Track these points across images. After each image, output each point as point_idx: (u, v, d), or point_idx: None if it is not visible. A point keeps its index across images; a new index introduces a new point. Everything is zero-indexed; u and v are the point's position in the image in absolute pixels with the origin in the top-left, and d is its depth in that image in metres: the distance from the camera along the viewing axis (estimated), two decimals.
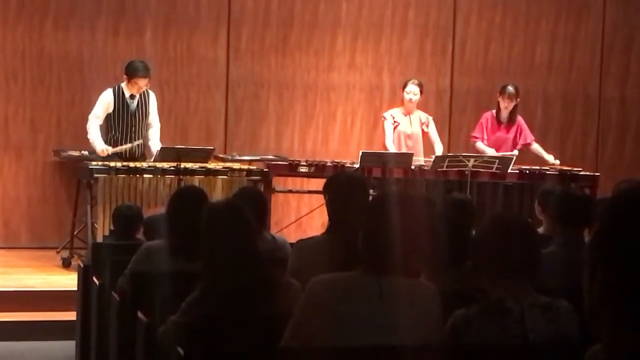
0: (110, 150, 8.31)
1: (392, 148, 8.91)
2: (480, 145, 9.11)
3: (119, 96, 8.40)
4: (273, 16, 9.92)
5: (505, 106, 9.11)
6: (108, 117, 8.43)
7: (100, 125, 8.43)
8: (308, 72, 10.05)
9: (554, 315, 3.22)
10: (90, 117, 8.39)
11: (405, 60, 10.23)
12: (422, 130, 9.14)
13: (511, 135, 9.19)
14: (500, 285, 3.22)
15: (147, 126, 8.53)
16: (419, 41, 10.27)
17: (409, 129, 9.08)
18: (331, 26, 10.06)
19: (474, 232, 3.73)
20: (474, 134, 9.27)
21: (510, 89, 9.08)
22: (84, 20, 9.37)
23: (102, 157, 8.31)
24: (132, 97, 8.42)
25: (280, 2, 9.93)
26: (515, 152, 9.02)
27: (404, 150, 8.91)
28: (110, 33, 9.46)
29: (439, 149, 9.08)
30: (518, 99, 9.14)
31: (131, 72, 8.31)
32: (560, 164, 9.28)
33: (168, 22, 9.64)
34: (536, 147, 9.28)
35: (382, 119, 9.18)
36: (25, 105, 9.35)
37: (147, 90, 8.50)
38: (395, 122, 9.05)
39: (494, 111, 9.21)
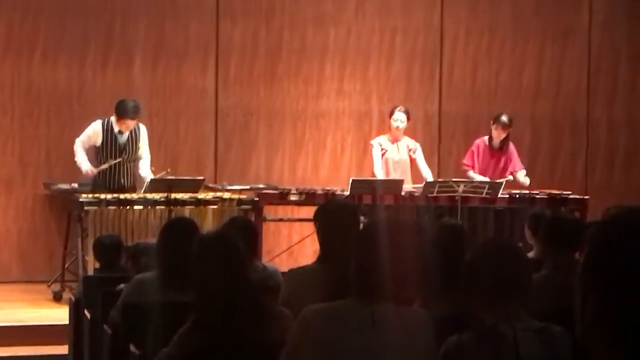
0: (94, 170, 8.35)
1: (380, 175, 8.92)
2: (471, 175, 9.07)
3: (108, 130, 8.41)
4: (261, 45, 9.95)
5: (498, 135, 9.10)
6: (98, 150, 8.44)
7: (90, 159, 8.45)
8: (297, 100, 10.07)
9: (547, 339, 3.21)
10: (77, 140, 8.47)
11: (393, 86, 10.26)
12: (410, 157, 9.13)
13: (502, 163, 9.17)
14: (493, 310, 3.22)
15: (137, 158, 8.54)
16: (407, 67, 10.31)
17: (396, 156, 9.08)
18: (319, 54, 10.09)
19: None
20: (464, 162, 9.26)
21: (504, 119, 9.04)
22: (72, 52, 9.39)
23: (92, 189, 8.35)
24: (120, 131, 8.43)
25: (268, 31, 9.96)
26: (510, 177, 9.01)
27: (392, 177, 8.90)
28: (99, 65, 9.47)
29: (428, 176, 9.03)
30: (511, 128, 9.13)
31: (120, 112, 8.34)
32: (550, 188, 9.28)
33: (157, 53, 9.66)
34: (518, 176, 9.14)
35: (370, 146, 9.19)
36: (14, 139, 9.34)
37: (137, 124, 8.51)
38: (382, 149, 9.05)
39: (486, 138, 9.19)
